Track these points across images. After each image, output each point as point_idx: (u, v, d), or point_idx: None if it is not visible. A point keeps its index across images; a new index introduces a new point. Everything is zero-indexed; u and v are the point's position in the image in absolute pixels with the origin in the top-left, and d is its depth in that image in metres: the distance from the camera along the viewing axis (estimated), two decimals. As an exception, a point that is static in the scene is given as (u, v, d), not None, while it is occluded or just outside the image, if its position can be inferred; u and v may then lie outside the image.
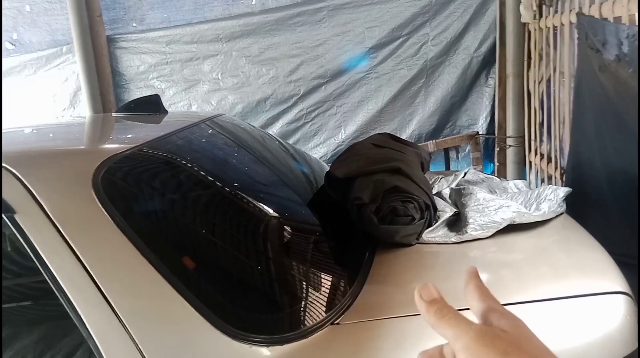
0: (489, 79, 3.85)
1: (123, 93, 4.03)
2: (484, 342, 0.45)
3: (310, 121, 4.00)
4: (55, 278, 1.12)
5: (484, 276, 1.40)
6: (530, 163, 3.61)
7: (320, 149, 4.00)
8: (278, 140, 2.25)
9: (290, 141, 3.87)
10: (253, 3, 3.86)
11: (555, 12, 2.95)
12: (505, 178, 3.57)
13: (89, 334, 1.10)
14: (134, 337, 1.09)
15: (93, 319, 1.11)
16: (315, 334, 1.15)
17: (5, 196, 1.18)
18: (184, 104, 4.02)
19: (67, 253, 1.13)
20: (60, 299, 1.12)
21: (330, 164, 2.24)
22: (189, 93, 4.01)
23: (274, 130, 3.93)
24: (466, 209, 1.59)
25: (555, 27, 2.96)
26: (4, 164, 1.23)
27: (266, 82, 3.93)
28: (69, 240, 1.14)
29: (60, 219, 1.16)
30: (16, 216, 1.16)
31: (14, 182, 1.20)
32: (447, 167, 3.84)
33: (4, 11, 3.91)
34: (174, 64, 3.97)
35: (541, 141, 3.37)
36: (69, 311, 1.11)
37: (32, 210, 1.17)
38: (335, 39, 3.84)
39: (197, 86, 4.00)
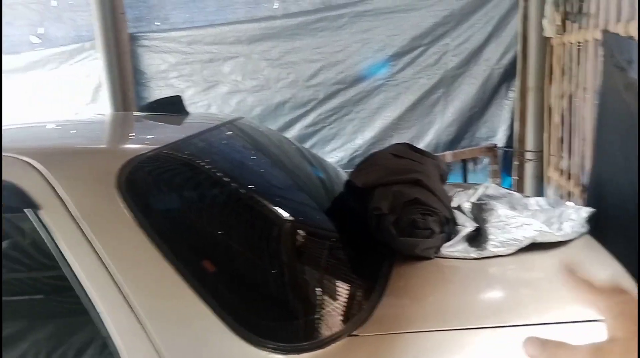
0: (509, 91, 3.82)
1: (143, 91, 4.07)
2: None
3: (328, 126, 4.00)
4: (76, 275, 1.13)
5: (502, 294, 1.40)
6: (549, 178, 3.58)
7: (336, 153, 4.00)
8: (296, 145, 2.25)
9: (307, 145, 3.87)
10: (275, 7, 3.88)
11: (580, 28, 2.92)
12: (524, 192, 3.54)
13: (107, 331, 1.11)
14: (151, 335, 1.10)
15: (112, 316, 1.11)
16: (333, 345, 1.14)
17: (30, 191, 1.19)
18: (203, 104, 4.04)
19: (88, 251, 1.14)
20: (80, 296, 1.12)
21: (347, 170, 2.24)
22: (208, 94, 4.03)
23: (292, 133, 3.94)
24: (487, 225, 1.57)
25: (579, 43, 2.93)
26: (28, 159, 1.24)
27: (285, 85, 3.95)
28: (90, 238, 1.15)
29: (83, 217, 1.16)
30: (40, 213, 1.17)
31: (38, 178, 1.21)
32: (465, 179, 3.81)
33: (30, 5, 3.97)
34: (194, 64, 3.99)
35: (561, 156, 3.33)
36: (88, 309, 1.12)
37: (56, 207, 1.18)
38: (356, 45, 3.85)
39: (216, 87, 4.02)
